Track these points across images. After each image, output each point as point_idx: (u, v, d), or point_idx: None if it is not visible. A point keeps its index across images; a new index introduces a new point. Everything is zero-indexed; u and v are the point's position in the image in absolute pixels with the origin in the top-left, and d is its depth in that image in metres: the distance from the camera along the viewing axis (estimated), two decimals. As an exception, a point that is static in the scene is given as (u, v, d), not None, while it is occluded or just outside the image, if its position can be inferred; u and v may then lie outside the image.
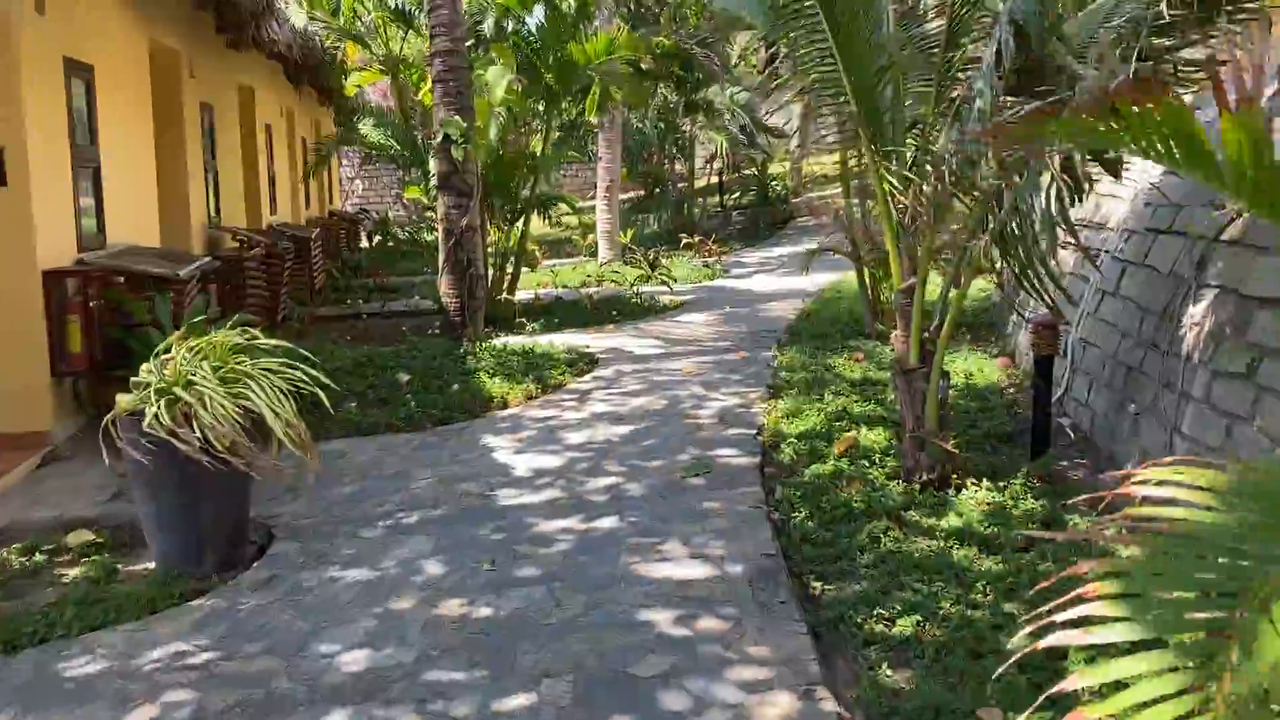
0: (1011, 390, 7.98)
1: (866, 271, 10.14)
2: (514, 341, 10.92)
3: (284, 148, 17.43)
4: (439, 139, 9.09)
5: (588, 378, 9.16)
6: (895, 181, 5.82)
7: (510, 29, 12.13)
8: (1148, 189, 6.63)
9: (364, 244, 22.36)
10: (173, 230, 10.62)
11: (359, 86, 14.82)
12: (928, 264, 5.87)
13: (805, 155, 24.13)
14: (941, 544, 4.89)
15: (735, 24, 10.78)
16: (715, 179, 23.59)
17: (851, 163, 10.13)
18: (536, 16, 12.89)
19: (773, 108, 25.30)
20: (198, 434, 4.86)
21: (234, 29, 9.64)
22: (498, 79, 8.93)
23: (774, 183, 22.64)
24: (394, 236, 20.40)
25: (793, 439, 6.78)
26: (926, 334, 5.85)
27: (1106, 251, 7.36)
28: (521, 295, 14.76)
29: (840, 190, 22.44)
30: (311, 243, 15.43)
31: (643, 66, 15.61)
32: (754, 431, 7.20)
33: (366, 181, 30.05)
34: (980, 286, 10.66)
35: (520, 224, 13.35)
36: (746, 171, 22.57)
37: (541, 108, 12.97)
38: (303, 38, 11.78)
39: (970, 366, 8.62)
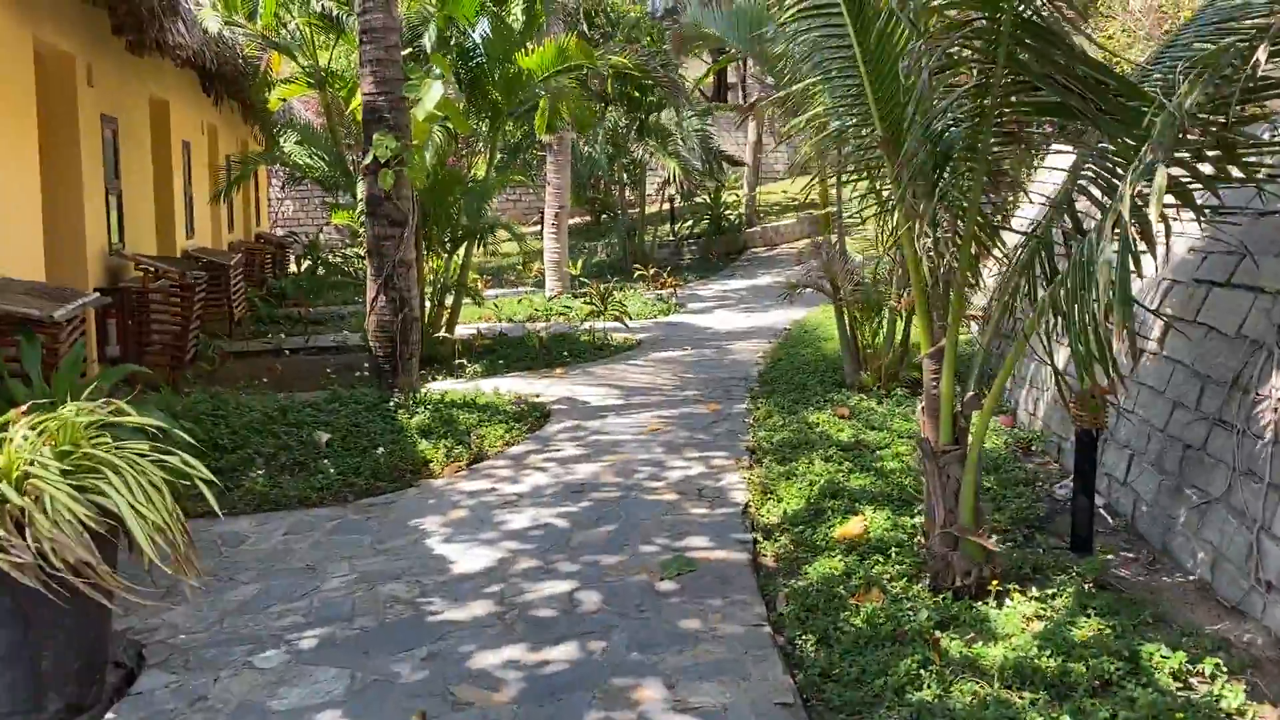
0: (1026, 457, 7.00)
1: (848, 314, 9.14)
2: (453, 388, 9.73)
3: (204, 167, 16.05)
4: (367, 159, 7.93)
5: (538, 436, 8.01)
6: (920, 221, 4.79)
7: (454, 41, 11.02)
8: (1198, 235, 5.72)
9: (293, 269, 20.99)
10: (62, 259, 9.27)
11: (284, 100, 13.55)
12: (958, 324, 4.84)
13: (758, 183, 23.32)
14: (997, 688, 3.82)
15: (704, 39, 9.76)
16: (666, 206, 22.62)
17: (840, 191, 9.20)
18: (482, 29, 11.80)
19: (736, 131, 24.49)
20: (33, 547, 3.65)
21: (133, 30, 8.37)
22: (434, 92, 7.78)
23: (727, 211, 21.73)
24: (324, 261, 19.06)
25: (784, 523, 5.71)
26: (959, 407, 4.82)
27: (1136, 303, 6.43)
28: (462, 330, 13.56)
29: (803, 220, 21.67)
30: (231, 270, 14.09)
31: (592, 86, 14.57)
32: (736, 509, 6.12)
33: (297, 202, 28.55)
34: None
35: (460, 253, 12.18)
36: (699, 199, 21.65)
37: (485, 126, 11.85)
38: (217, 44, 10.50)
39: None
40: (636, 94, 19.40)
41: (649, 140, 18.47)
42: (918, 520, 5.54)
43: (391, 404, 8.12)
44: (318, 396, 8.45)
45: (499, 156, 21.50)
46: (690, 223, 21.94)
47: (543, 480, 6.80)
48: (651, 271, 16.34)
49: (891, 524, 5.54)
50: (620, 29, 19.02)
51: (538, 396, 9.38)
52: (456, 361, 11.14)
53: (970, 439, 4.73)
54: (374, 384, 8.51)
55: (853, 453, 7.02)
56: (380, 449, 7.31)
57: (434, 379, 10.70)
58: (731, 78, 33.10)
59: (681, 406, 8.88)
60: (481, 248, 12.21)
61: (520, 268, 19.68)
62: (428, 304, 11.78)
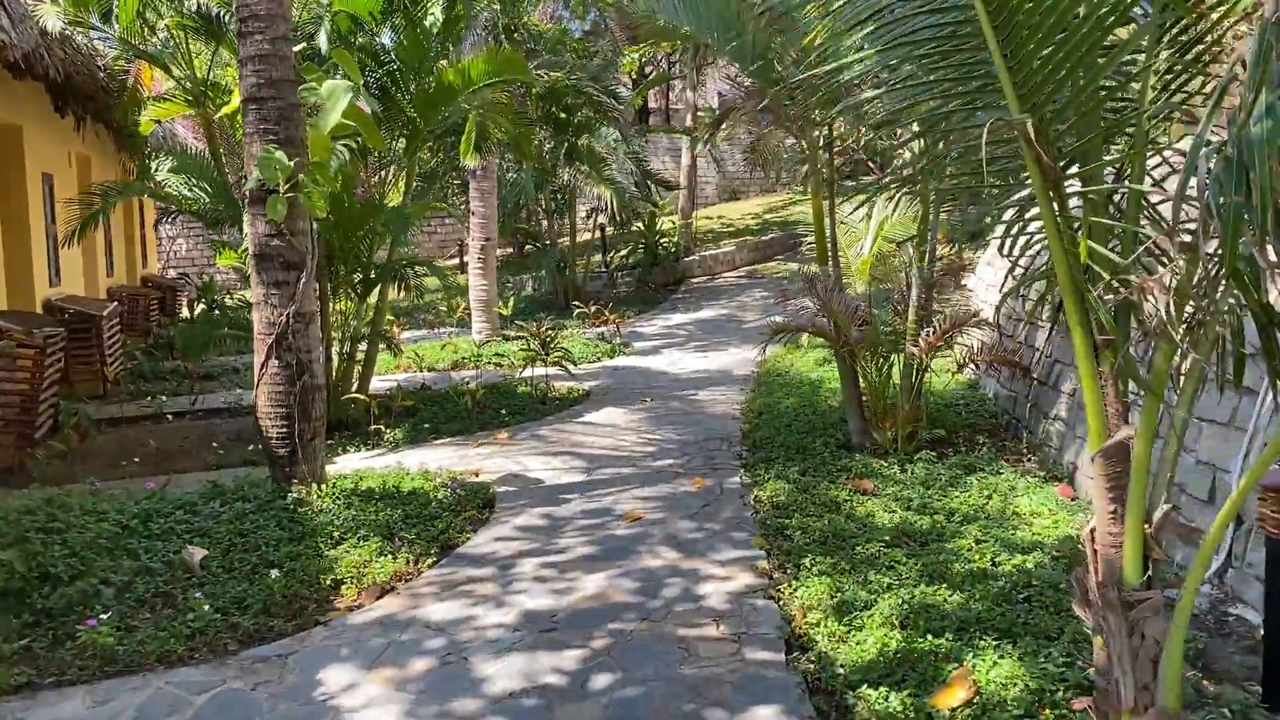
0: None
1: (857, 362, 7.55)
2: (370, 466, 7.86)
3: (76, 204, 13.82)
4: (249, 184, 6.08)
5: (484, 536, 6.19)
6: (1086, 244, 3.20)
7: (359, 43, 9.21)
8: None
9: (187, 314, 18.74)
10: None
11: (159, 122, 11.56)
12: (1160, 399, 3.21)
13: (695, 209, 21.83)
14: None
15: (665, 34, 8.13)
16: (597, 235, 20.96)
17: (856, 209, 7.68)
18: (394, 33, 10.01)
19: (665, 156, 22.87)
20: None
21: (-66, 22, 6.39)
22: (336, 97, 5.99)
23: (663, 240, 20.16)
24: (219, 304, 16.89)
25: (862, 681, 4.02)
26: (1150, 525, 3.20)
27: None
28: (378, 384, 11.65)
29: (743, 247, 20.25)
30: (103, 320, 11.98)
31: (514, 106, 12.85)
32: (776, 652, 4.41)
33: (191, 240, 26.16)
34: (946, 366, 8.34)
35: (374, 296, 10.31)
36: (633, 227, 20.05)
37: (401, 146, 10.05)
38: (64, 50, 8.51)
39: (1034, 502, 6.08)
40: (563, 115, 17.77)
41: (580, 164, 16.81)
42: (1055, 664, 3.93)
43: (290, 500, 6.23)
44: (191, 495, 6.50)
45: (415, 183, 19.71)
46: (624, 253, 20.29)
47: (496, 614, 4.99)
48: (592, 308, 14.61)
49: (1016, 680, 3.89)
50: (543, 45, 17.36)
51: (477, 474, 7.56)
52: (372, 427, 9.26)
53: (1186, 585, 3.10)
54: (271, 472, 6.60)
55: (905, 549, 5.39)
56: (275, 569, 5.43)
57: (345, 450, 8.80)
58: (652, 103, 31.72)
59: (660, 483, 7.15)
60: (401, 289, 10.36)
61: (443, 308, 17.75)
62: (335, 359, 9.88)
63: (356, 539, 5.86)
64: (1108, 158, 3.34)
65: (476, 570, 5.59)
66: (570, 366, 11.02)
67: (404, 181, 10.54)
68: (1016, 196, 3.55)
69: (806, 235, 12.20)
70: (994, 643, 4.23)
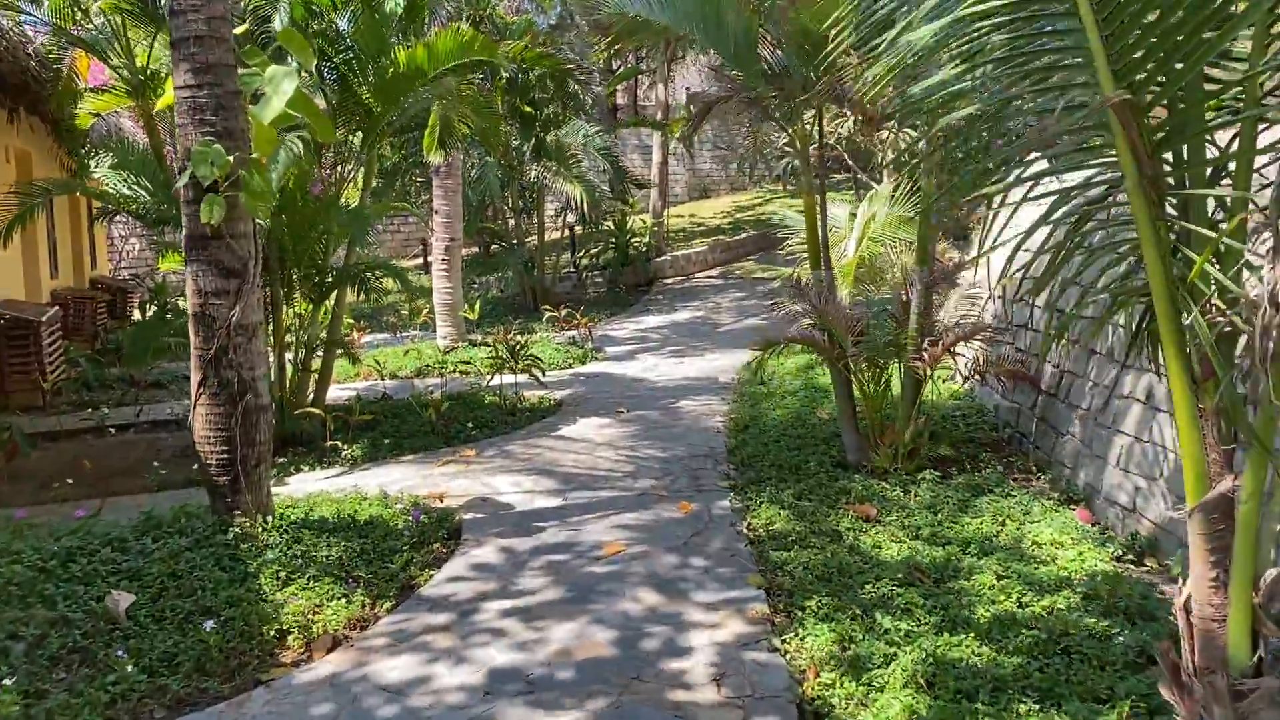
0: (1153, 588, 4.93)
1: (853, 375, 7.00)
2: (324, 488, 7.21)
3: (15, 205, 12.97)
4: (183, 180, 5.41)
5: (448, 574, 5.57)
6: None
7: (314, 29, 8.53)
8: None
9: (139, 317, 17.91)
10: None
11: (99, 115, 10.78)
12: (1269, 442, 2.65)
13: (667, 206, 21.25)
14: None
15: (639, 30, 7.50)
16: (565, 234, 20.33)
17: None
18: (352, 20, 9.34)
19: (632, 154, 22.20)
20: None
21: None
22: (284, 84, 5.33)
23: (634, 239, 19.56)
24: (172, 307, 16.09)
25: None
26: (1259, 595, 2.65)
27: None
28: (336, 393, 10.98)
29: (715, 247, 19.62)
30: (42, 326, 11.22)
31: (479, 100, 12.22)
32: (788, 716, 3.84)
33: (145, 239, 25.20)
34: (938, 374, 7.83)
35: (331, 301, 9.63)
36: (603, 226, 19.42)
37: (358, 140, 9.38)
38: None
39: (1053, 530, 5.56)
40: (529, 109, 17.13)
41: (548, 161, 16.17)
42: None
43: (231, 535, 5.57)
44: (122, 529, 5.81)
45: (374, 179, 18.97)
46: (594, 252, 19.67)
47: (459, 673, 4.37)
48: (563, 311, 13.98)
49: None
50: (510, 37, 16.70)
51: (441, 499, 6.93)
52: (328, 443, 8.59)
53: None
54: (209, 503, 5.93)
55: (919, 587, 4.84)
56: (212, 618, 4.77)
57: (298, 469, 8.15)
58: (620, 100, 31.07)
59: (641, 508, 6.55)
60: (359, 292, 9.68)
61: (405, 311, 17.04)
62: (289, 368, 9.21)
63: (306, 580, 5.22)
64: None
65: (438, 617, 4.96)
66: (540, 375, 10.40)
67: (363, 178, 9.86)
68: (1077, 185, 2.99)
69: (786, 234, 11.65)
70: (1036, 707, 3.68)
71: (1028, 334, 7.82)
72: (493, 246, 21.09)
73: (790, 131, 7.24)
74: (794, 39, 6.32)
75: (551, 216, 20.87)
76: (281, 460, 8.31)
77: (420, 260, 22.29)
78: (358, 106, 9.11)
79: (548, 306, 14.53)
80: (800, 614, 4.66)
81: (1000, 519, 5.82)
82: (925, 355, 6.62)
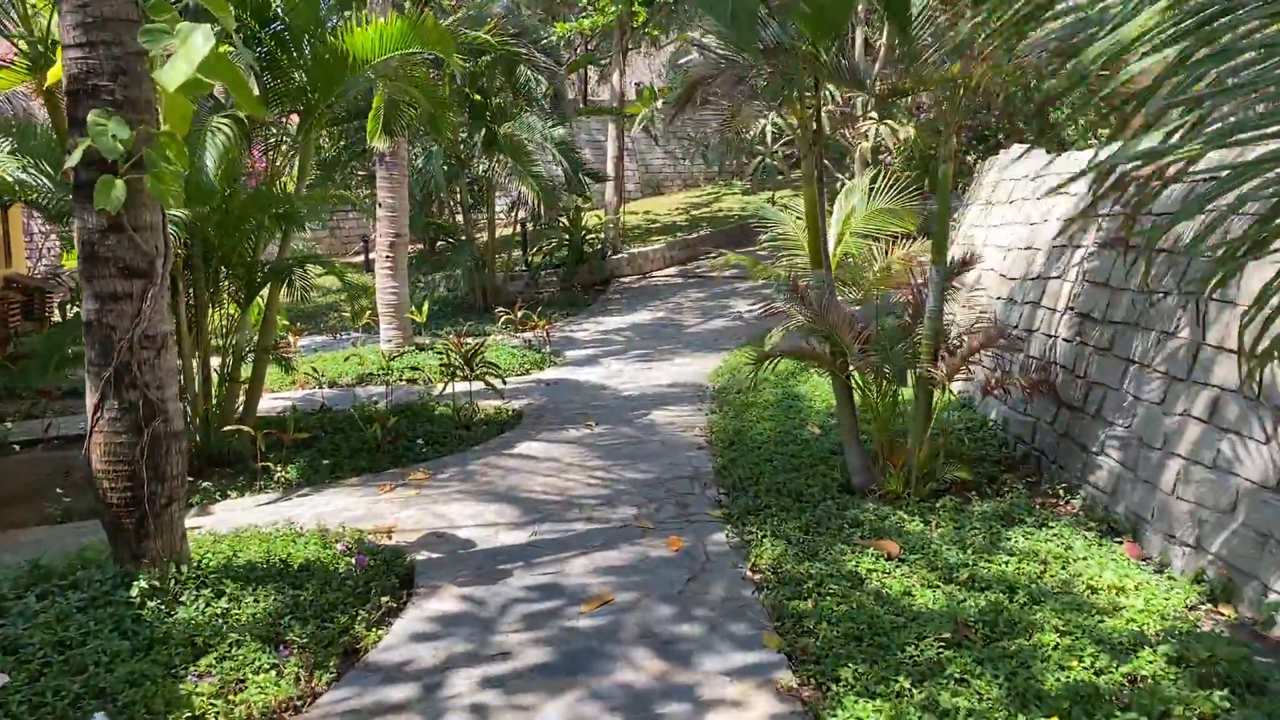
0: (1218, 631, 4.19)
1: (861, 388, 6.20)
2: (253, 520, 6.25)
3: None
4: (72, 160, 4.43)
5: (401, 632, 4.65)
6: None
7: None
8: None
9: (59, 318, 16.57)
10: None
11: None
12: None
13: (624, 202, 20.37)
14: None
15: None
16: (517, 231, 19.35)
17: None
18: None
19: (584, 149, 21.13)
20: None
21: None
22: (195, 43, 4.37)
23: (590, 236, 18.65)
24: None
25: None
26: None
27: None
28: (270, 403, 9.99)
29: (674, 245, 18.93)
30: (-64, 331, 10.06)
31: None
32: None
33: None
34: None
35: (263, 302, 8.62)
36: (558, 222, 18.45)
37: (291, 125, 8.37)
38: None
39: (1104, 569, 4.81)
40: (478, 98, 16.15)
41: (500, 154, 15.20)
42: None
43: (136, 591, 4.59)
44: (0, 584, 4.81)
45: (312, 171, 17.83)
46: (547, 250, 18.72)
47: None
48: (519, 313, 13.02)
49: None
50: (458, 22, 15.69)
51: (390, 534, 6.00)
52: (260, 464, 7.59)
53: None
54: (114, 543, 4.93)
55: (970, 650, 4.04)
56: (103, 707, 3.81)
57: (224, 496, 7.17)
58: (569, 93, 30.07)
59: (623, 542, 5.69)
60: (294, 293, 8.68)
61: (347, 312, 15.95)
62: (215, 379, 8.20)
63: (226, 647, 4.27)
64: None
65: (393, 692, 4.06)
66: (500, 383, 9.48)
67: (301, 165, 8.85)
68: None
69: (761, 230, 10.87)
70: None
71: (1033, 339, 7.09)
72: (439, 243, 20.04)
73: (784, 116, 6.42)
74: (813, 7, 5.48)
75: (502, 211, 19.90)
76: (206, 485, 7.32)
77: (362, 258, 21.16)
78: (290, 88, 8.11)
79: (502, 309, 13.55)
80: (836, 688, 3.83)
81: (1041, 556, 5.06)
82: (942, 366, 5.85)
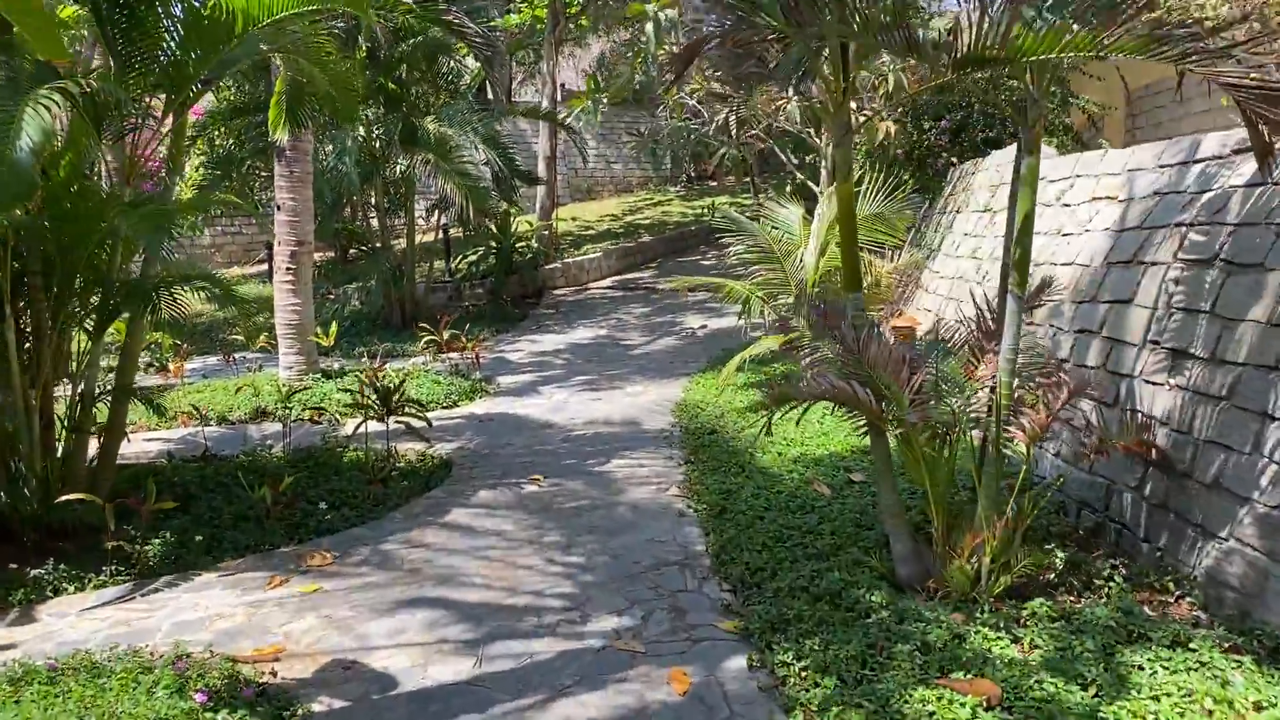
0: None
1: (911, 447, 4.70)
2: (90, 630, 4.52)
3: None
4: None
5: None
6: None
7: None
8: None
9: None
10: None
11: None
12: None
13: (556, 203, 18.72)
14: None
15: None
16: (439, 237, 17.56)
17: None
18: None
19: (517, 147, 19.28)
20: None
21: None
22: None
23: (520, 244, 16.96)
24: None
25: None
26: None
27: None
28: (143, 446, 8.20)
29: (612, 254, 17.63)
30: None
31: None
32: None
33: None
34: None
35: (121, 330, 6.82)
36: (483, 228, 16.69)
37: (160, 102, 6.59)
38: None
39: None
40: (394, 87, 14.38)
41: (422, 151, 13.43)
42: None
43: None
44: None
45: (202, 171, 15.81)
46: (473, 258, 16.96)
47: None
48: (445, 333, 11.28)
49: None
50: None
51: (275, 662, 4.31)
52: (110, 544, 5.79)
53: None
54: None
55: None
56: None
57: (58, 590, 5.38)
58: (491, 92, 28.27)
59: (608, 677, 4.08)
60: (152, 316, 6.84)
61: (242, 327, 13.98)
62: (60, 427, 6.38)
63: None
64: None
65: None
66: (423, 422, 7.78)
67: (172, 158, 7.05)
68: None
69: (723, 239, 9.39)
70: None
71: (1092, 377, 5.69)
72: (350, 251, 18.14)
73: (805, 93, 4.90)
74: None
75: (422, 215, 18.11)
76: (37, 573, 5.51)
77: (265, 266, 19.11)
78: (154, 56, 6.33)
79: (424, 327, 11.76)
80: None
81: (1193, 697, 3.62)
82: (1028, 423, 4.39)
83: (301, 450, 8.02)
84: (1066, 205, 7.52)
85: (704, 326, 13.74)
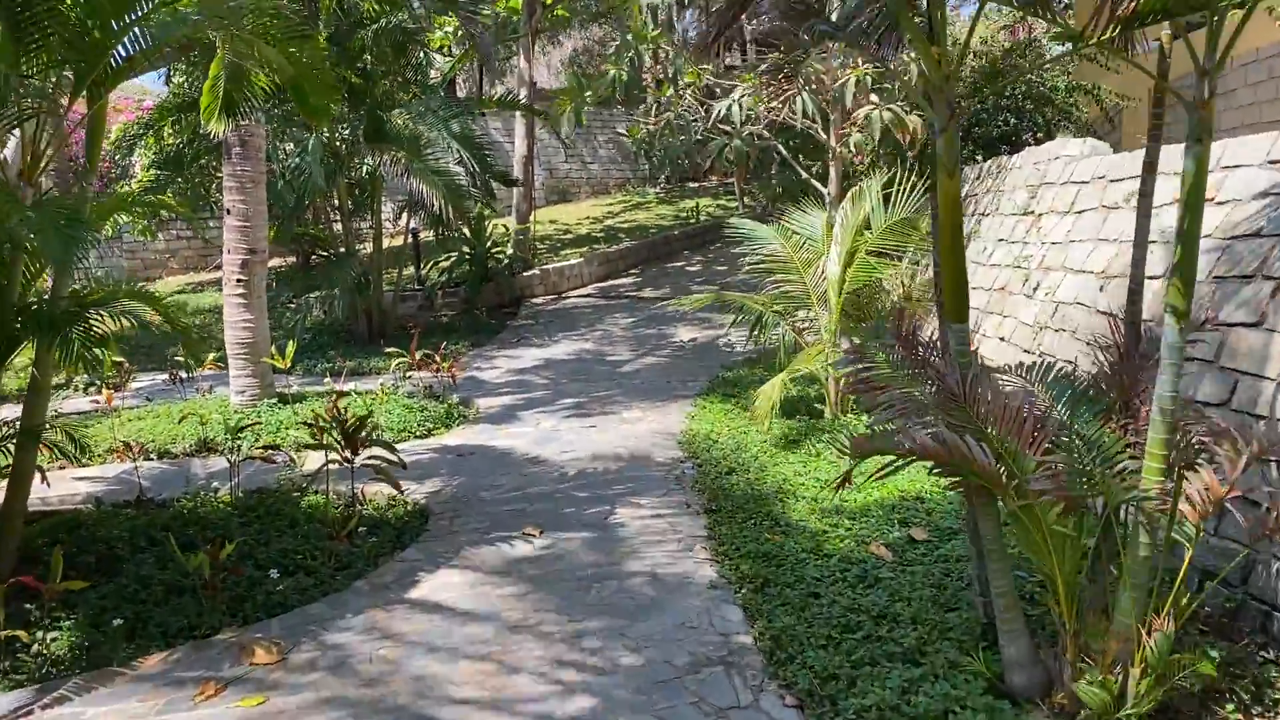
0: None
1: (1037, 523, 3.61)
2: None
3: None
4: None
5: None
6: None
7: None
8: None
9: None
10: None
11: None
12: None
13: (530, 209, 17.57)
14: None
15: None
16: (408, 242, 16.35)
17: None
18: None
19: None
20: None
21: None
22: None
23: (496, 249, 15.77)
24: None
25: None
26: None
27: None
28: (70, 487, 7.03)
29: (592, 259, 16.91)
30: None
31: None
32: None
33: None
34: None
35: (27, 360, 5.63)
36: (456, 232, 15.47)
37: (67, 78, 5.41)
38: None
39: None
40: (358, 79, 13.18)
41: (392, 149, 12.25)
42: None
43: None
44: None
45: (150, 172, 14.55)
46: (445, 265, 15.75)
47: None
48: (416, 353, 10.10)
49: None
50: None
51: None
52: (3, 633, 4.61)
53: None
54: None
55: None
56: None
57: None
58: (461, 88, 27.07)
59: None
60: (70, 350, 5.64)
61: (184, 352, 12.43)
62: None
63: None
64: None
65: None
66: (394, 462, 6.63)
67: (89, 148, 5.87)
68: None
69: (742, 248, 8.32)
70: None
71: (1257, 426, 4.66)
72: (313, 257, 16.83)
73: (889, 61, 3.84)
74: None
75: (389, 217, 16.91)
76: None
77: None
78: (62, 29, 5.14)
79: (393, 351, 10.50)
80: None
81: None
82: (1197, 494, 3.34)
83: (253, 493, 6.88)
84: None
85: (694, 340, 12.68)
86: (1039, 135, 11.95)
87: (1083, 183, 7.41)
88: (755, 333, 8.15)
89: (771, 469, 6.74)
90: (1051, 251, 7.44)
